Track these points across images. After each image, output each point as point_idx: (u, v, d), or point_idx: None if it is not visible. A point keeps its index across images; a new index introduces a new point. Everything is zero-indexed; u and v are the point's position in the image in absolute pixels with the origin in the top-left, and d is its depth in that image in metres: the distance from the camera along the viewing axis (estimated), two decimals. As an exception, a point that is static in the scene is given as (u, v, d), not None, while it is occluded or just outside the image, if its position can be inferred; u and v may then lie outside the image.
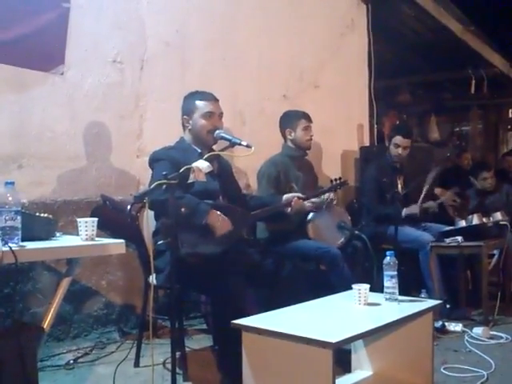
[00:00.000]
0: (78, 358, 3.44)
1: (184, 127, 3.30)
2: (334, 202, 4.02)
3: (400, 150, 4.75)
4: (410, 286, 3.87)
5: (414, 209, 4.64)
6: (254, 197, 3.78)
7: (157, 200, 2.69)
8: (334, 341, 2.07)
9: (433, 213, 4.86)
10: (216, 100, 3.26)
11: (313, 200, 3.81)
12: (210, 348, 3.39)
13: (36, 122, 3.60)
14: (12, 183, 2.21)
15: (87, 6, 3.82)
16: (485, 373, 3.15)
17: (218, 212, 2.99)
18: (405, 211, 4.61)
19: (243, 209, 3.29)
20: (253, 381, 2.32)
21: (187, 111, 3.26)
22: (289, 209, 3.57)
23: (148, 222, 3.11)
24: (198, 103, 3.22)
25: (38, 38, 3.57)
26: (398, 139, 4.77)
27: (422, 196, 4.70)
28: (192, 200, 2.93)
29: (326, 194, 3.88)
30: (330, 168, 5.50)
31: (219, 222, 2.97)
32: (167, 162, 3.03)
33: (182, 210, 2.80)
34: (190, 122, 3.24)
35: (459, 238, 4.35)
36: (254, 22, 5.01)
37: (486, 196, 5.64)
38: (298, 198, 3.61)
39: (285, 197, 3.61)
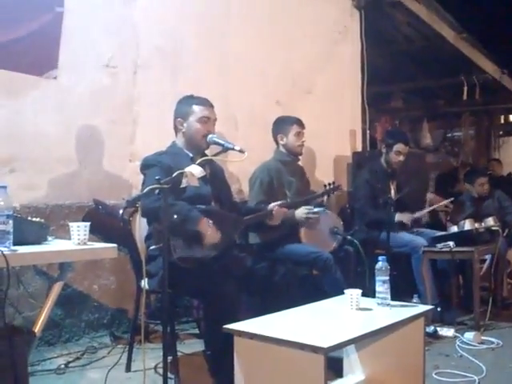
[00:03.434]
0: (70, 362, 3.42)
1: (177, 130, 3.28)
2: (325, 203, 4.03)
3: (401, 157, 4.74)
4: (401, 291, 3.88)
5: (406, 217, 4.62)
6: (244, 204, 3.78)
7: (149, 208, 2.69)
8: (325, 346, 2.07)
9: (425, 222, 4.88)
10: (212, 106, 3.27)
11: (310, 216, 3.81)
12: (202, 353, 3.37)
13: (29, 125, 3.60)
14: (4, 187, 2.21)
15: (81, 10, 3.82)
16: (476, 378, 3.16)
17: (210, 221, 2.98)
18: (397, 216, 4.61)
19: (235, 214, 3.29)
20: (244, 385, 2.32)
21: (182, 114, 3.25)
22: (271, 220, 3.48)
23: (140, 226, 3.10)
24: (195, 107, 3.22)
25: (31, 42, 3.56)
26: (400, 147, 4.73)
27: (425, 211, 4.73)
28: (184, 207, 2.93)
29: (318, 209, 3.87)
30: (323, 173, 5.51)
31: (209, 230, 2.97)
32: (158, 168, 3.02)
33: (175, 216, 2.80)
34: (185, 124, 3.23)
35: (451, 244, 4.36)
36: (247, 28, 5.02)
37: (481, 202, 5.66)
38: (280, 206, 3.52)
39: (269, 206, 3.52)
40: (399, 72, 8.62)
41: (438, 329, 4.02)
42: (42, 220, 2.51)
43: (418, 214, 4.72)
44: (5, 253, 2.05)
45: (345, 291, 2.72)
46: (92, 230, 2.51)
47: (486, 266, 4.98)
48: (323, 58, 5.82)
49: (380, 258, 2.72)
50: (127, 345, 3.32)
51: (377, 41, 6.78)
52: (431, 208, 4.91)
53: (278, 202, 3.54)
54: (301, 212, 3.82)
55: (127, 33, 4.14)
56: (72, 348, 3.64)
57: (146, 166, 3.12)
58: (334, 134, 5.93)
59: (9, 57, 3.48)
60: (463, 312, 4.56)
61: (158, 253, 2.92)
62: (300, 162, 4.33)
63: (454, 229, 4.67)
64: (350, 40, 6.20)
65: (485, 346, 3.80)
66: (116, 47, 4.06)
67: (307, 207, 3.84)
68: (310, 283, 3.85)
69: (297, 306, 2.76)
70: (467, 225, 4.61)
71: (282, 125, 4.17)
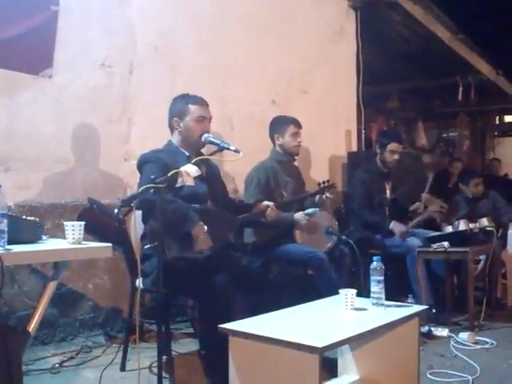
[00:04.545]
0: (64, 361, 3.41)
1: (173, 129, 3.27)
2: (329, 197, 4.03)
3: (396, 156, 4.75)
4: (396, 291, 3.88)
5: (399, 229, 4.57)
6: (240, 202, 3.78)
7: (147, 199, 2.67)
8: (320, 345, 2.07)
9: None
10: (207, 105, 3.28)
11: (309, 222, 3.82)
12: (197, 352, 3.38)
13: (24, 124, 3.58)
14: (-1, 186, 2.20)
15: (76, 9, 3.82)
16: (470, 378, 3.17)
17: (205, 226, 2.97)
18: (392, 224, 4.57)
19: (231, 212, 3.29)
20: (239, 385, 2.32)
21: (179, 113, 3.24)
22: (265, 219, 3.44)
23: (135, 225, 3.10)
24: (191, 107, 3.21)
25: (27, 40, 3.55)
26: (394, 146, 4.74)
27: (415, 221, 4.73)
28: (182, 206, 2.92)
29: (312, 209, 3.87)
30: (318, 173, 5.51)
31: (201, 235, 2.95)
32: (155, 164, 3.02)
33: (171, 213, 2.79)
34: (181, 124, 3.22)
35: (445, 244, 4.37)
36: (244, 27, 5.02)
37: (475, 202, 5.67)
38: (270, 206, 3.45)
39: (263, 203, 3.46)
40: (395, 72, 8.64)
41: (433, 329, 4.03)
42: (37, 219, 2.50)
43: (411, 224, 4.73)
44: (-1, 252, 2.05)
45: (339, 291, 2.72)
46: (87, 230, 2.50)
47: (480, 266, 4.99)
48: (319, 58, 5.83)
49: (375, 258, 2.72)
50: (122, 344, 3.31)
51: (373, 41, 6.79)
52: (423, 217, 4.89)
53: (268, 203, 3.47)
54: (301, 217, 3.81)
55: (123, 32, 4.13)
56: (66, 347, 3.64)
57: (143, 162, 3.11)
58: (330, 133, 5.94)
59: (4, 55, 3.46)
60: (457, 312, 4.57)
61: (152, 252, 2.92)
62: (295, 162, 4.33)
63: (449, 229, 4.67)
64: (346, 40, 6.21)
65: (479, 346, 3.81)
66: (112, 46, 4.05)
67: (305, 212, 3.84)
68: (305, 283, 3.84)
69: (291, 305, 2.76)
70: (462, 225, 4.62)
71: (278, 125, 4.17)
